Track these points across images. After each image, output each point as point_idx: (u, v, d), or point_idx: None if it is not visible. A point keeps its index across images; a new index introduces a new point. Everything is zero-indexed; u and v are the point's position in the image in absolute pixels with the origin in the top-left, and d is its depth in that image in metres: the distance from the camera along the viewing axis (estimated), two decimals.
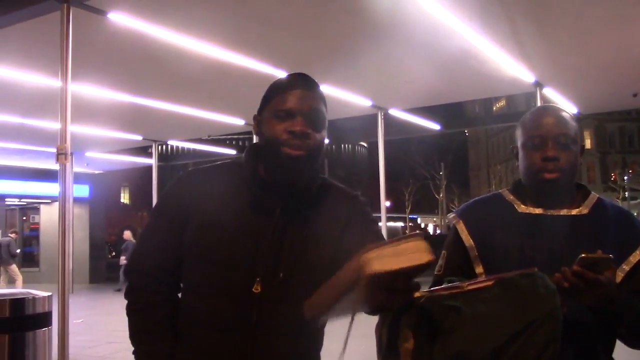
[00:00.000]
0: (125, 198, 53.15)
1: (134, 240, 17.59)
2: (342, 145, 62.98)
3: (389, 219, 25.14)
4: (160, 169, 14.86)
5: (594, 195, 1.88)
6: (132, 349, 1.69)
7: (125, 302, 1.73)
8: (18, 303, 4.31)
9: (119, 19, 5.84)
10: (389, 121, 11.42)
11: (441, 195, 52.39)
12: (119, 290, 16.97)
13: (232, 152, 17.42)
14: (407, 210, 54.81)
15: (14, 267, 15.96)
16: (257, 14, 6.06)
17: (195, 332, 1.64)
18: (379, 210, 10.21)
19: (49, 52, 5.90)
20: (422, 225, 65.88)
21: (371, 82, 8.85)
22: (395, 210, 51.71)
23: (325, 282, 1.40)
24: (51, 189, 17.45)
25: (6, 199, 20.52)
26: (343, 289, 1.30)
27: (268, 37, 6.72)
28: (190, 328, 1.65)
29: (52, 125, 9.43)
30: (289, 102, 1.63)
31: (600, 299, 1.58)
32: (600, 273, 1.55)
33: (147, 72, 7.98)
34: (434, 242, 1.56)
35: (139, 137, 13.36)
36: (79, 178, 17.91)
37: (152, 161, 14.16)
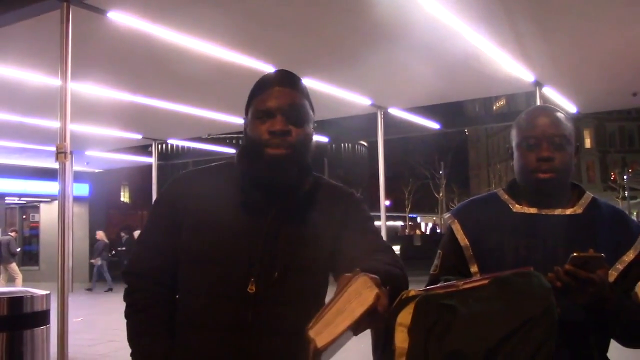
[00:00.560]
0: (125, 197, 53.12)
1: (106, 241, 17.64)
2: (342, 145, 63.01)
3: (388, 218, 25.13)
4: (160, 167, 14.87)
5: (588, 195, 1.89)
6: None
7: (124, 303, 1.74)
8: (16, 301, 4.32)
9: (119, 17, 5.85)
10: (389, 120, 11.42)
11: (441, 195, 52.42)
12: (110, 289, 17.16)
13: (232, 150, 17.41)
14: (407, 210, 54.87)
15: (13, 266, 15.97)
16: (256, 12, 6.06)
17: (192, 333, 1.64)
18: (378, 210, 10.22)
19: (49, 51, 5.90)
20: (422, 225, 65.93)
21: (371, 81, 8.85)
22: (395, 209, 51.77)
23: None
24: (51, 187, 17.42)
25: (6, 198, 20.52)
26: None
27: (268, 35, 6.73)
28: (186, 329, 1.66)
29: (51, 123, 9.43)
30: (267, 102, 1.63)
31: (593, 297, 1.58)
32: (593, 272, 1.55)
33: (147, 71, 7.98)
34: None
35: (139, 136, 13.37)
36: (78, 177, 17.91)
37: (152, 160, 14.16)
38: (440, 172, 51.52)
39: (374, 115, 10.76)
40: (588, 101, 10.94)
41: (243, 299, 1.58)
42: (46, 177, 17.60)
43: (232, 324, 1.59)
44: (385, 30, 6.51)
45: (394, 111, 11.20)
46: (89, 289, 17.01)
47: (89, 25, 5.85)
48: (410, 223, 60.77)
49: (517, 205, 1.88)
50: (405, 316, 1.45)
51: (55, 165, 4.75)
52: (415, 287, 1.53)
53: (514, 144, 1.88)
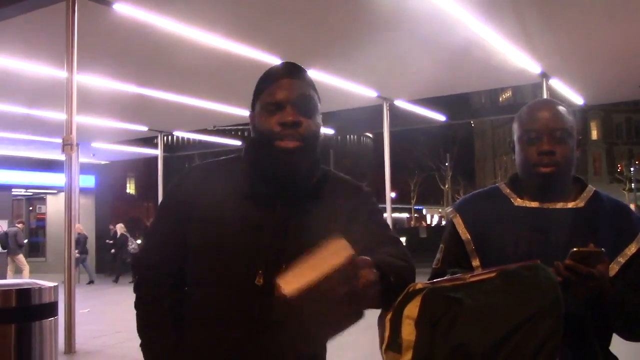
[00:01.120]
0: (131, 188, 53.30)
1: (86, 234, 17.71)
2: (348, 136, 62.98)
3: (394, 210, 25.13)
4: (165, 159, 14.90)
5: (590, 189, 1.88)
6: (139, 339, 1.72)
7: (133, 294, 1.76)
8: (24, 293, 4.34)
9: (125, 9, 5.85)
10: (395, 112, 11.42)
11: (447, 186, 52.38)
12: (115, 280, 17.46)
13: (238, 142, 17.42)
14: (413, 201, 54.84)
15: (21, 257, 16.05)
16: (262, 4, 6.06)
17: (200, 325, 1.65)
18: (384, 201, 10.23)
19: (55, 43, 5.92)
20: (428, 217, 65.88)
21: (377, 73, 8.85)
22: (401, 201, 51.76)
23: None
24: (57, 179, 17.48)
25: (13, 190, 20.60)
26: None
27: (273, 27, 6.72)
28: (195, 321, 1.67)
29: (58, 116, 9.47)
30: (276, 94, 1.62)
31: (594, 292, 1.58)
32: (593, 266, 1.55)
33: (153, 63, 7.99)
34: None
35: (145, 128, 13.40)
36: (84, 168, 17.97)
37: (158, 152, 14.20)
38: (446, 164, 51.45)
39: (380, 107, 10.76)
40: (595, 93, 10.91)
41: (251, 291, 1.59)
42: (52, 169, 17.67)
43: (240, 316, 1.59)
44: (391, 22, 6.50)
45: (400, 103, 11.20)
46: (91, 282, 17.08)
47: (95, 17, 5.86)
48: (415, 215, 60.77)
49: (518, 199, 1.87)
50: (412, 309, 1.45)
51: (61, 157, 4.78)
52: (422, 279, 1.54)
53: (515, 137, 1.87)
